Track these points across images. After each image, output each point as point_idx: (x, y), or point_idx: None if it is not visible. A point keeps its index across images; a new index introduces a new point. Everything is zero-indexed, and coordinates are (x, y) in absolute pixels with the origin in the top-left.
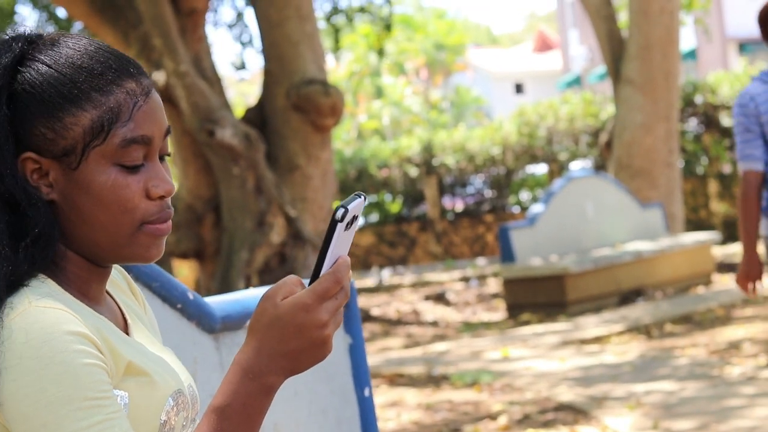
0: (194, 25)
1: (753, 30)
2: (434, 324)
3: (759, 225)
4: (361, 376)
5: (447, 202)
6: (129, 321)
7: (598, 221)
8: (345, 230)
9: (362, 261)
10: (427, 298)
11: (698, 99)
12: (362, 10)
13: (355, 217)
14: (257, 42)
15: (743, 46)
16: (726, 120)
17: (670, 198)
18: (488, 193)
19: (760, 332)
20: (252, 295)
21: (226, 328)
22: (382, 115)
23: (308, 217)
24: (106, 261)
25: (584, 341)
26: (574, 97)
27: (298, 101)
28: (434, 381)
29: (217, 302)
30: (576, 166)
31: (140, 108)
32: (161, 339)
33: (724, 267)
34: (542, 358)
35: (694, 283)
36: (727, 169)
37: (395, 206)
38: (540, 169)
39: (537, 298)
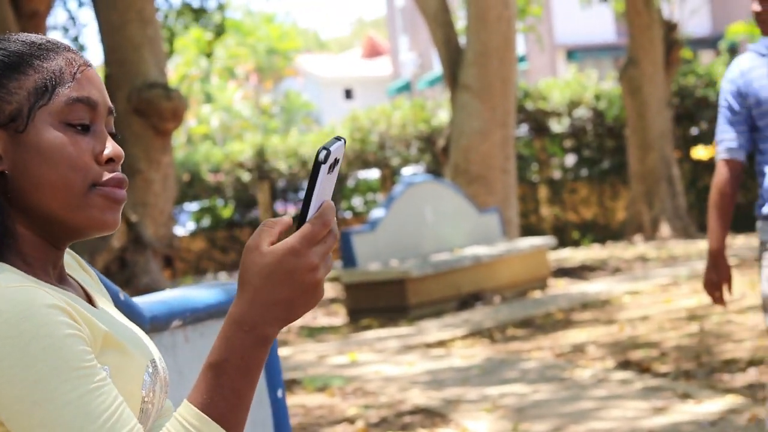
0: (35, 27)
1: (581, 37)
2: None
3: (728, 223)
4: (274, 377)
5: (279, 207)
6: (93, 297)
7: (437, 226)
8: (328, 173)
9: (194, 266)
10: None
11: (529, 105)
12: (196, 14)
13: (336, 160)
14: (96, 45)
15: (571, 54)
16: (556, 126)
17: (507, 203)
18: None
19: (602, 335)
20: (175, 296)
21: (154, 328)
22: (211, 119)
23: (149, 221)
24: (62, 234)
25: (429, 345)
26: (405, 103)
27: (139, 105)
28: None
29: (143, 303)
30: (408, 171)
31: (83, 72)
32: None
33: (559, 271)
34: (389, 362)
35: (530, 287)
36: (557, 175)
37: (227, 211)
38: (372, 174)
39: (378, 302)
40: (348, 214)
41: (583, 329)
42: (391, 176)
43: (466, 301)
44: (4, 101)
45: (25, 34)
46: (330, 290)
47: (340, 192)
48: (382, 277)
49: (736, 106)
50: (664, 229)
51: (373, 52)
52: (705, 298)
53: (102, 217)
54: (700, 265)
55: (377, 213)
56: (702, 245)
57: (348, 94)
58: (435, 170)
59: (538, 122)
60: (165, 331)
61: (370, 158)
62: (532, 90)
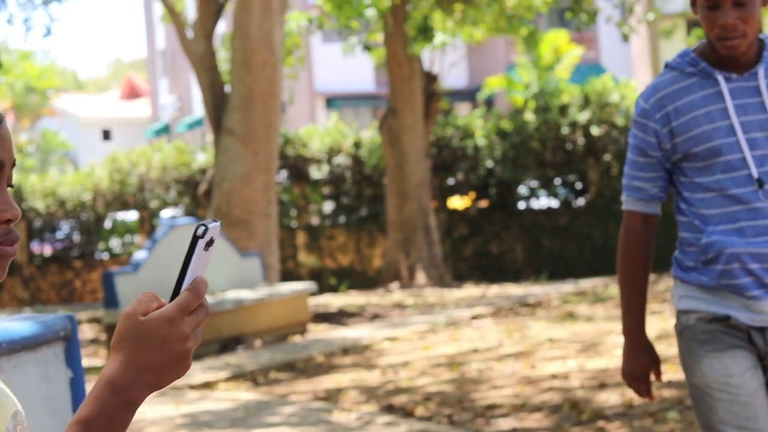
0: None
1: (340, 86)
2: None
3: (644, 291)
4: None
5: (36, 246)
6: None
7: None
8: (204, 250)
9: None
10: None
11: (289, 151)
12: None
13: (212, 240)
14: None
15: (331, 102)
16: (315, 173)
17: (268, 248)
18: (78, 239)
19: (364, 380)
20: None
21: None
22: None
23: None
24: None
25: (192, 387)
26: (166, 146)
27: None
28: None
29: None
30: (167, 214)
31: None
32: None
33: (319, 317)
34: (151, 403)
35: (291, 332)
36: (315, 221)
37: None
38: (131, 215)
39: None
40: (105, 256)
41: (344, 374)
42: (149, 218)
43: (227, 345)
44: None
45: None
46: (89, 331)
47: (98, 233)
48: None
49: (650, 145)
50: (420, 277)
51: (132, 93)
52: (464, 345)
53: None
54: (457, 313)
55: (140, 254)
56: (457, 294)
57: (106, 134)
58: (194, 213)
59: (297, 168)
60: None
61: (129, 200)
62: (293, 136)
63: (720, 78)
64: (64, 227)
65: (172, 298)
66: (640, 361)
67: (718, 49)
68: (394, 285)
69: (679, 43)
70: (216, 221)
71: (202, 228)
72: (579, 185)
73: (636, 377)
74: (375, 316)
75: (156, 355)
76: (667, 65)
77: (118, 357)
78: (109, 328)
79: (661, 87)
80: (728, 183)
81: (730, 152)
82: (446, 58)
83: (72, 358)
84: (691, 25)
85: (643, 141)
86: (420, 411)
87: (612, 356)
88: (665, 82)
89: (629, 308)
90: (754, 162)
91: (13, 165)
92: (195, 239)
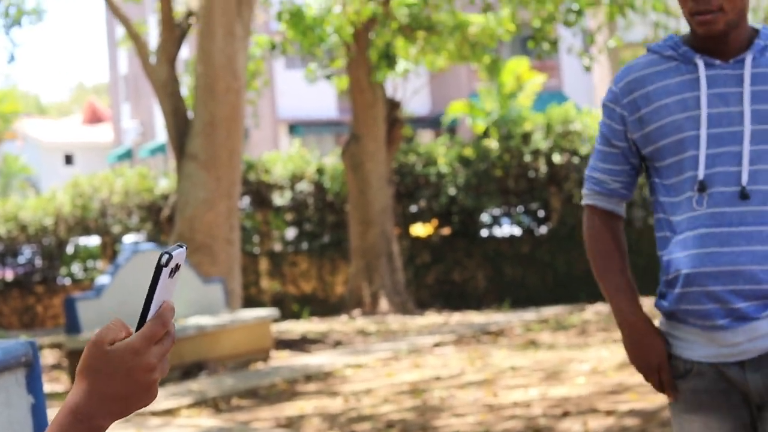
0: None
1: (303, 112)
2: None
3: (625, 273)
4: None
5: None
6: None
7: None
8: (169, 277)
9: None
10: None
11: (252, 177)
12: None
13: (177, 266)
14: None
15: (293, 128)
16: (278, 199)
17: (231, 274)
18: (39, 264)
19: (327, 407)
20: None
21: None
22: None
23: None
24: None
25: (155, 413)
26: (128, 171)
27: None
28: None
29: None
30: (129, 239)
31: None
32: None
33: (281, 343)
34: (112, 430)
35: (253, 359)
36: (278, 247)
37: None
38: (93, 241)
39: None
40: (67, 281)
41: (308, 401)
42: (111, 244)
43: (189, 371)
44: None
45: None
46: (50, 357)
47: (59, 258)
48: None
49: (615, 134)
50: (383, 304)
51: (94, 118)
52: (426, 373)
53: None
54: (419, 340)
55: (102, 279)
56: (420, 321)
57: (68, 159)
58: (156, 239)
59: (260, 194)
60: None
61: (90, 225)
62: (256, 162)
63: (700, 63)
64: (26, 252)
65: (138, 327)
66: (650, 344)
67: (694, 29)
68: (357, 312)
69: None
70: (181, 246)
71: (166, 257)
72: (541, 213)
73: (652, 365)
74: (338, 343)
75: (121, 386)
76: (648, 49)
77: (82, 385)
78: (71, 354)
79: (634, 69)
80: (686, 185)
81: (692, 148)
82: (409, 85)
83: (33, 385)
84: None
85: (609, 128)
86: None
87: (574, 384)
88: (640, 65)
89: (616, 292)
90: (706, 161)
91: None
92: (159, 268)
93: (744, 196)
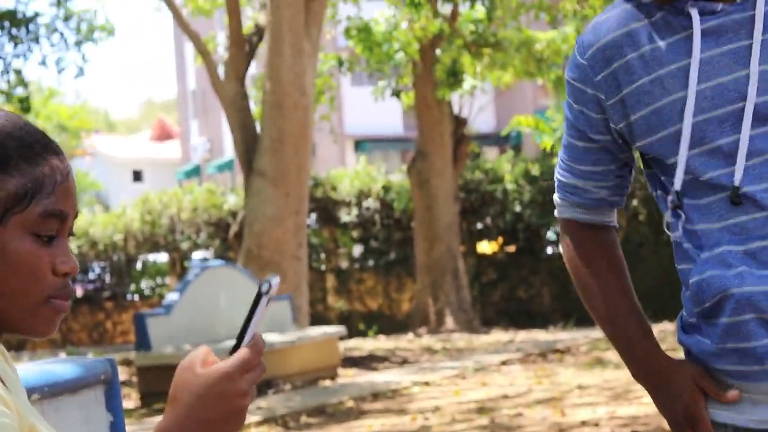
0: None
1: (369, 129)
2: None
3: (631, 301)
4: None
5: None
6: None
7: (230, 311)
8: (265, 305)
9: None
10: None
11: (318, 194)
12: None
13: (271, 297)
14: None
15: (359, 145)
16: (345, 216)
17: (298, 291)
18: (109, 280)
19: (395, 425)
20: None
21: None
22: None
23: None
24: (3, 329)
25: None
26: (197, 188)
27: None
28: None
29: None
30: (197, 255)
31: (62, 184)
32: None
33: (348, 360)
34: None
35: (321, 376)
36: (344, 264)
37: None
38: (161, 257)
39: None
40: (136, 297)
41: (376, 419)
42: (180, 260)
43: (258, 388)
44: None
45: (13, 121)
46: (120, 373)
47: (129, 274)
48: (176, 360)
49: (591, 124)
50: (449, 321)
51: (163, 134)
52: (493, 391)
53: (46, 328)
54: (486, 358)
55: (172, 296)
56: (486, 339)
57: (137, 176)
58: (224, 255)
59: (327, 211)
60: None
61: (160, 241)
62: (322, 179)
63: (693, 12)
64: (96, 268)
65: (232, 351)
66: (673, 396)
67: None
68: (423, 329)
69: None
70: (276, 276)
71: (267, 285)
72: None
73: (681, 422)
74: (404, 361)
75: (212, 411)
76: None
77: (174, 410)
78: (141, 371)
79: (603, 29)
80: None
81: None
82: (475, 102)
83: (112, 402)
84: None
85: (579, 116)
86: None
87: (641, 403)
88: (611, 21)
89: (624, 335)
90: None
91: (76, 215)
92: (259, 296)
93: None
